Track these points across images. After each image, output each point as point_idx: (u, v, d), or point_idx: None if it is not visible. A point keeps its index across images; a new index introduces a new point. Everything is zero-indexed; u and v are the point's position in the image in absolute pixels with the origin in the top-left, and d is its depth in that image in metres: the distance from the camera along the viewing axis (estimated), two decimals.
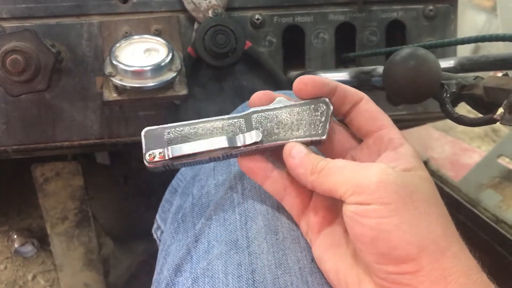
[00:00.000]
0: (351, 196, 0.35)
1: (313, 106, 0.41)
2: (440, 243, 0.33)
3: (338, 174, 0.37)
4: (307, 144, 0.41)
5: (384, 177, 0.34)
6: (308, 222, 0.42)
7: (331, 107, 0.41)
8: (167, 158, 0.40)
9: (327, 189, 0.37)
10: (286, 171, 0.42)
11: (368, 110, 0.42)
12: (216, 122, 0.42)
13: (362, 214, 0.34)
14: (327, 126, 0.41)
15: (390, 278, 0.34)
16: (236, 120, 0.42)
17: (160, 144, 0.41)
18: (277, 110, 0.42)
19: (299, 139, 0.41)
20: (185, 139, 0.41)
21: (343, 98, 0.42)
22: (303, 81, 0.41)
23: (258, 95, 0.43)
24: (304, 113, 0.41)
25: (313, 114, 0.41)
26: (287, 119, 0.41)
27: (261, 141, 0.41)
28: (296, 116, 0.41)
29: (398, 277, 0.33)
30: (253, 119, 0.42)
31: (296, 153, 0.40)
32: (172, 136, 0.41)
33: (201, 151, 0.40)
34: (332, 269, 0.39)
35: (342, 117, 0.44)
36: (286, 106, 0.42)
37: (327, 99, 0.41)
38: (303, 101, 0.42)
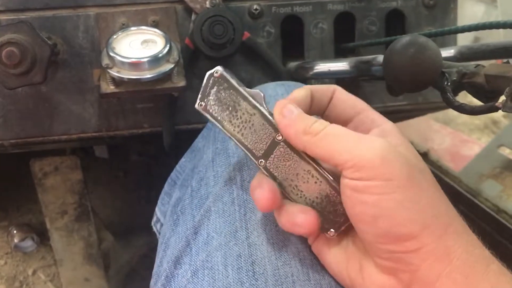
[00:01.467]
0: (351, 169, 0.34)
1: (341, 200, 0.38)
2: (442, 220, 0.33)
3: (338, 142, 0.35)
4: None
5: (386, 152, 0.34)
6: None
7: None
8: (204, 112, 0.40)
9: (323, 154, 0.36)
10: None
11: (344, 100, 0.42)
12: (254, 116, 0.39)
13: (363, 190, 0.33)
14: (342, 229, 0.39)
15: (393, 257, 0.33)
16: (268, 130, 0.39)
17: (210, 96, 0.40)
18: (308, 166, 0.39)
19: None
20: (225, 107, 0.40)
21: (319, 99, 0.41)
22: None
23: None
24: (330, 198, 0.39)
25: (336, 206, 0.38)
26: (310, 186, 0.39)
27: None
28: (319, 193, 0.39)
29: (401, 256, 0.33)
30: (280, 147, 0.39)
31: (288, 112, 0.38)
32: (222, 95, 0.40)
33: (226, 133, 0.40)
34: (332, 261, 0.39)
35: (320, 114, 0.43)
36: (318, 171, 0.38)
37: None
38: (338, 187, 0.37)
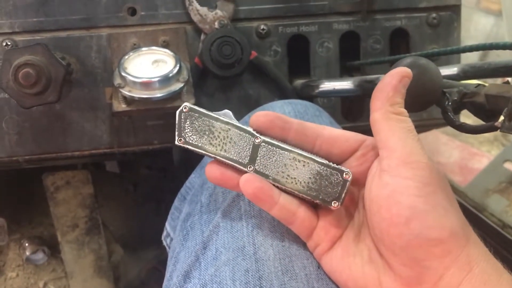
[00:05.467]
0: (397, 160, 0.36)
1: (331, 170, 0.41)
2: (466, 230, 0.35)
3: (404, 133, 0.38)
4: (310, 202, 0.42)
5: (429, 160, 0.36)
6: (317, 241, 0.42)
7: (350, 179, 0.40)
8: (185, 146, 0.43)
9: (384, 132, 0.38)
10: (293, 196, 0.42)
11: (341, 134, 0.43)
12: (230, 131, 0.42)
13: (401, 191, 0.35)
14: (343, 196, 0.41)
15: (418, 266, 0.35)
16: (246, 138, 0.42)
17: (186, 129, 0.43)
18: (292, 153, 0.41)
19: (309, 198, 0.41)
20: (202, 133, 0.42)
21: (302, 132, 0.42)
22: (256, 114, 0.42)
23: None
24: (322, 173, 0.41)
25: (329, 178, 0.41)
26: (300, 171, 0.41)
27: (272, 179, 0.41)
28: (310, 173, 0.41)
29: (426, 264, 0.34)
30: (262, 148, 0.41)
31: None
32: (196, 124, 0.42)
33: (211, 155, 0.42)
34: (349, 278, 0.40)
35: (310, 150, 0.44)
36: (301, 155, 0.41)
37: (349, 171, 0.40)
38: (324, 161, 0.41)
